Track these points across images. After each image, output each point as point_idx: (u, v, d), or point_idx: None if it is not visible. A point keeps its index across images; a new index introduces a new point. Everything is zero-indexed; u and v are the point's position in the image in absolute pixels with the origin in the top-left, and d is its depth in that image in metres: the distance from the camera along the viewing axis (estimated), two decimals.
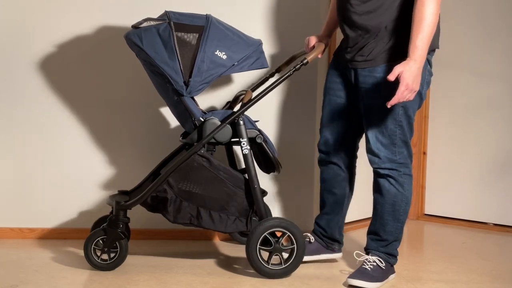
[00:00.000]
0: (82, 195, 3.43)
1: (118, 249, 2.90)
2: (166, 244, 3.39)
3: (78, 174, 3.43)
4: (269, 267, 2.88)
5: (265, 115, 3.45)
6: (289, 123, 3.50)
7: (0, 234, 3.40)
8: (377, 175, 2.84)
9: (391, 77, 2.56)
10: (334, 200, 3.04)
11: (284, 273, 2.90)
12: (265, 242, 2.88)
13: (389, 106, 2.60)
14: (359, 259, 2.91)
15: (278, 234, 2.90)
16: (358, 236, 3.42)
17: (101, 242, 2.90)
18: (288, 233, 2.88)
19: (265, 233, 2.86)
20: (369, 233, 2.92)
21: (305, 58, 2.91)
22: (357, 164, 3.07)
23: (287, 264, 2.89)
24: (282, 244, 2.88)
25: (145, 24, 2.84)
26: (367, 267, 2.83)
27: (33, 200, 3.42)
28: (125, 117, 3.45)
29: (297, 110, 3.50)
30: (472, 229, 3.96)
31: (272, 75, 3.19)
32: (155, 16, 2.93)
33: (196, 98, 3.03)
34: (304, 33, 3.19)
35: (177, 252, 3.28)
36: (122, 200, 2.94)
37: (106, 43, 3.41)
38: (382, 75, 2.70)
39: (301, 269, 2.99)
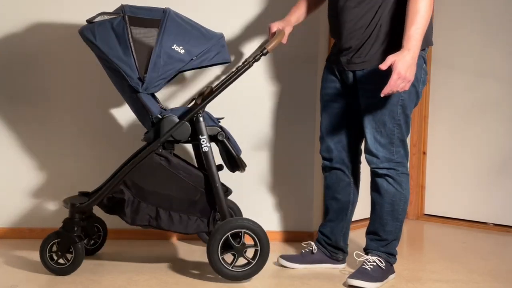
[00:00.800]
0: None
1: (73, 254, 2.78)
2: (166, 244, 3.39)
3: (75, 172, 3.44)
4: (231, 269, 2.77)
5: (264, 120, 3.46)
6: (288, 129, 3.47)
7: (1, 234, 3.41)
8: (375, 175, 2.84)
9: (383, 66, 2.56)
10: (338, 206, 3.01)
11: (247, 275, 2.79)
12: (228, 244, 2.76)
13: (382, 95, 2.59)
14: (359, 259, 2.91)
15: (247, 239, 2.79)
16: (357, 236, 3.41)
17: (55, 246, 2.79)
18: (251, 234, 2.77)
19: (227, 234, 2.74)
20: (368, 233, 2.92)
21: (264, 48, 2.81)
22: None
23: (251, 266, 2.78)
24: (244, 244, 2.78)
25: (99, 19, 2.73)
26: (367, 267, 2.83)
27: (32, 200, 3.43)
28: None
29: (296, 115, 3.47)
30: (472, 229, 3.96)
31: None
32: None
33: (161, 96, 2.85)
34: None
35: (177, 252, 3.28)
36: (77, 202, 2.83)
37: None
38: (380, 74, 2.69)
39: (301, 269, 2.99)
